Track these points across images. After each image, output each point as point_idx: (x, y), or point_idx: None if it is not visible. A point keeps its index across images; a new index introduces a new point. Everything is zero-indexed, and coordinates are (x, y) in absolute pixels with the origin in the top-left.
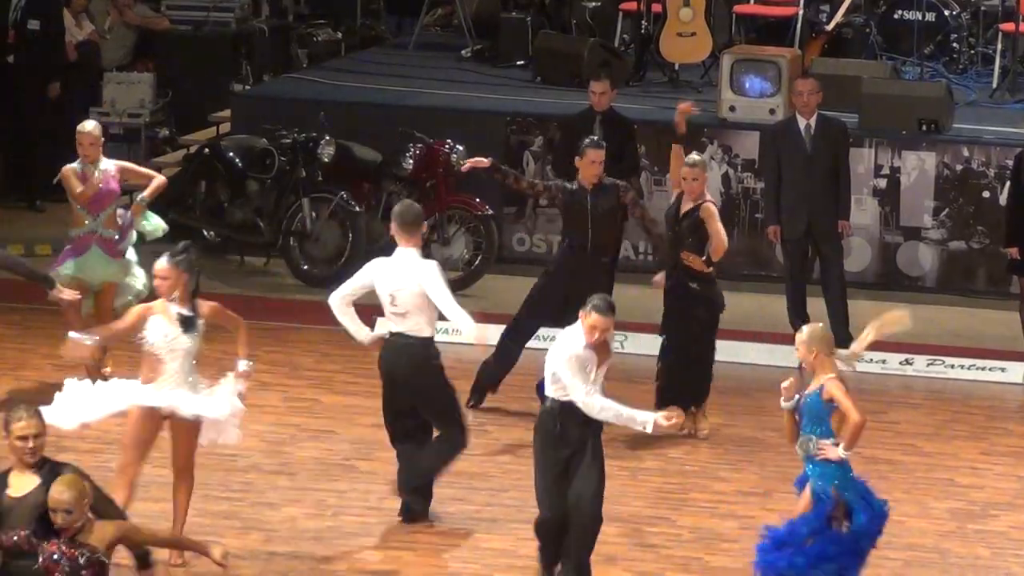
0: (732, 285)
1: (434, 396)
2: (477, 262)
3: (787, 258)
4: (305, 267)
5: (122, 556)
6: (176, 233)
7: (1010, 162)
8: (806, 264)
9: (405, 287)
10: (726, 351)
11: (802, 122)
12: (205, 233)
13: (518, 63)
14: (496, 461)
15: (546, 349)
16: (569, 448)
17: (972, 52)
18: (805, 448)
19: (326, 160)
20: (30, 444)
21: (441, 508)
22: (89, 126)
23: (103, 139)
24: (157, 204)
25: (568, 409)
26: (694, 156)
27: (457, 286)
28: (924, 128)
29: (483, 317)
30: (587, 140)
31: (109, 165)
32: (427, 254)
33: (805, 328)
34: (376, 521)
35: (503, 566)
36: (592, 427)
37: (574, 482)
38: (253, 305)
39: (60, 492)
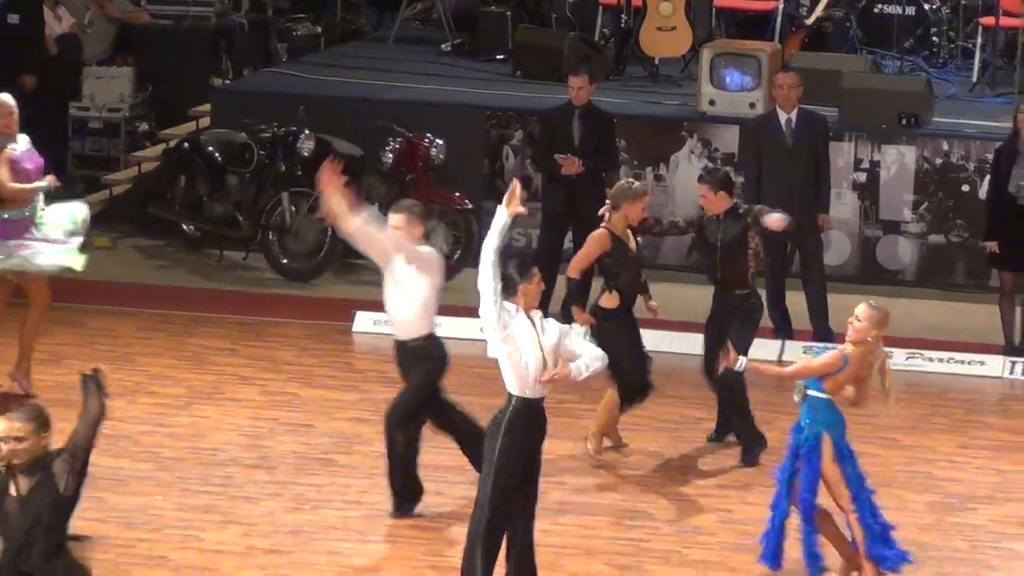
0: None
1: None
2: (457, 256)
3: (767, 251)
4: (284, 261)
5: None
6: (155, 228)
7: (990, 156)
8: (786, 258)
9: None
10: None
11: (782, 116)
12: (184, 227)
13: (498, 57)
14: None
15: None
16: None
17: (952, 46)
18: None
19: (305, 154)
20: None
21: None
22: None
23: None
24: (138, 197)
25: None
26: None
27: None
28: (904, 122)
29: (461, 311)
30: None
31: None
32: None
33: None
34: (356, 515)
35: None
36: None
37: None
38: (232, 299)
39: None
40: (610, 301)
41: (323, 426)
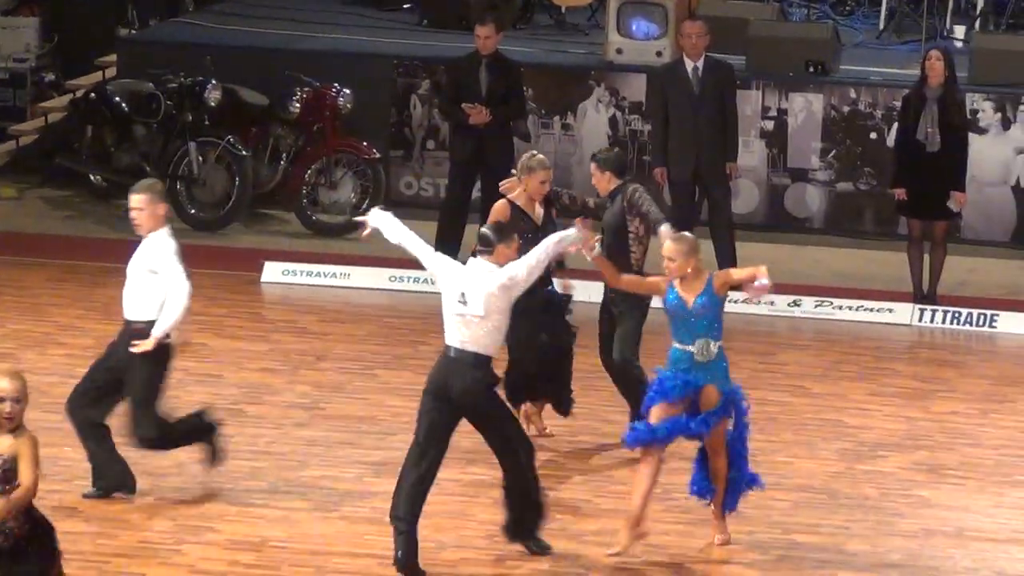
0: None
1: None
2: (364, 206)
3: (674, 200)
4: (192, 211)
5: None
6: (63, 178)
7: (897, 103)
8: (694, 206)
9: None
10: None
11: (689, 64)
12: (92, 178)
13: (404, 6)
14: (384, 405)
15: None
16: None
17: None
18: (706, 353)
19: (212, 104)
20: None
21: (330, 453)
22: None
23: None
24: (45, 147)
25: None
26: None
27: (344, 230)
28: (811, 70)
29: (370, 261)
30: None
31: None
32: (314, 198)
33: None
34: (265, 465)
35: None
36: None
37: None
38: None
39: (5, 382)
40: None
41: (232, 376)
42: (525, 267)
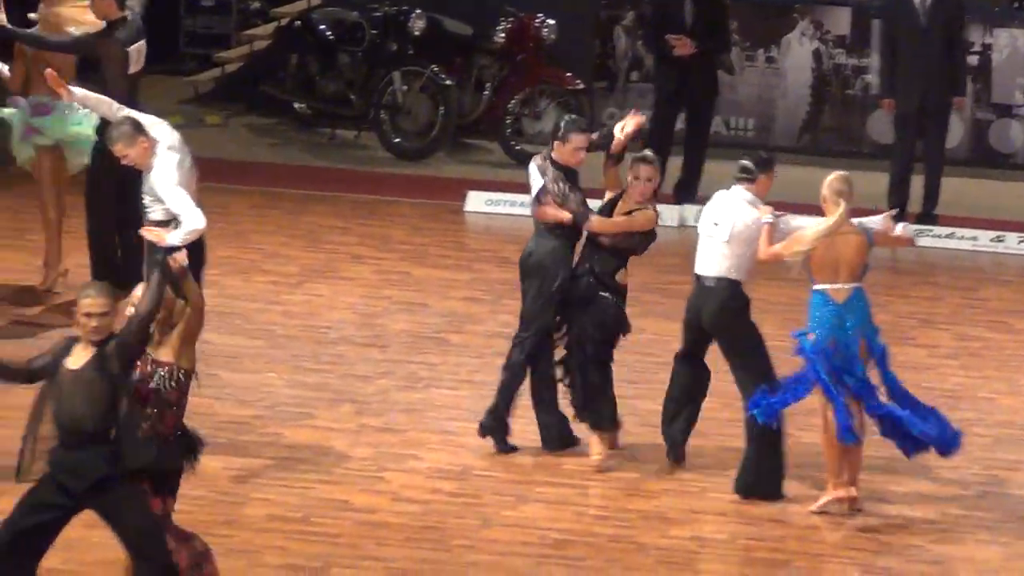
0: (822, 161)
1: None
2: None
3: (897, 132)
4: (396, 140)
5: None
6: (267, 106)
7: None
8: (915, 140)
9: None
10: None
11: None
12: (296, 106)
13: None
14: None
15: None
16: None
17: None
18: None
19: (417, 33)
20: (93, 323)
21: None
22: None
23: None
24: (250, 75)
25: None
26: (649, 152)
27: None
28: (1017, 5)
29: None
30: (568, 121)
31: None
32: (518, 128)
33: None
34: (467, 394)
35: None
36: None
37: None
38: (344, 178)
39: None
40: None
41: (436, 305)
42: (789, 222)
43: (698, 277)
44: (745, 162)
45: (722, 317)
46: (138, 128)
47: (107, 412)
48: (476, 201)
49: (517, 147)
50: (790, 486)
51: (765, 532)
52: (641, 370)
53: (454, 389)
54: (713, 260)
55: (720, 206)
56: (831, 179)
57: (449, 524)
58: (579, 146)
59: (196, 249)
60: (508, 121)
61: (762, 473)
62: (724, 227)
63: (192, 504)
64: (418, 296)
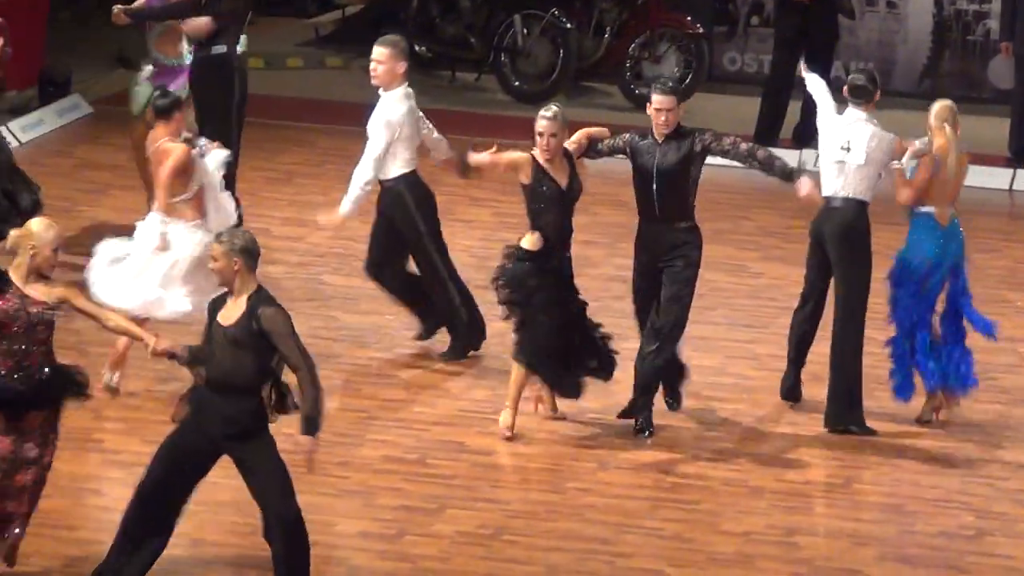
0: None
1: None
2: (688, 81)
3: (1018, 75)
4: (516, 83)
5: None
6: None
7: None
8: None
9: None
10: None
11: None
12: (416, 48)
13: None
14: (702, 279)
15: None
16: None
17: None
18: None
19: None
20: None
21: None
22: None
23: None
24: (371, 17)
25: None
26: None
27: None
28: None
29: None
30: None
31: None
32: (638, 71)
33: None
34: None
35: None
36: None
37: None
38: (463, 120)
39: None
40: None
41: None
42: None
43: (827, 199)
44: (860, 82)
45: (848, 237)
46: None
47: (257, 369)
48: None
49: (636, 91)
50: (904, 431)
51: (879, 476)
52: (759, 315)
53: None
54: (843, 182)
55: (846, 130)
56: (938, 107)
57: (564, 466)
58: (658, 107)
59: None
60: (628, 65)
61: (842, 402)
62: (858, 151)
63: None
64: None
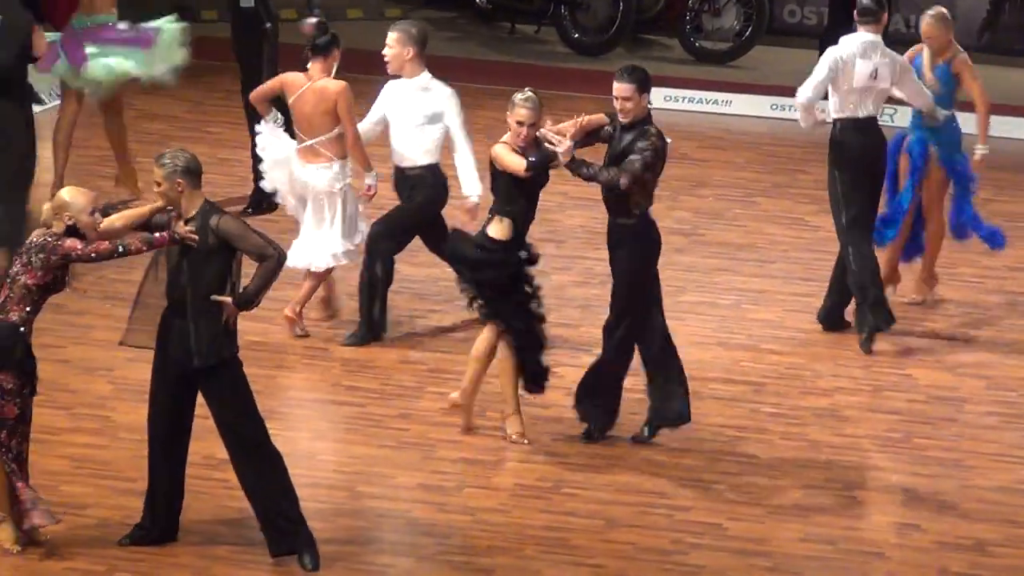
0: (1007, 60)
1: None
2: (748, 33)
3: None
4: (575, 35)
5: None
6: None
7: None
8: None
9: None
10: (1001, 127)
11: None
12: (477, 0)
13: None
14: (762, 233)
15: None
16: None
17: None
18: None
19: None
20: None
21: (707, 279)
22: None
23: None
24: None
25: None
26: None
27: (727, 58)
28: None
29: (753, 89)
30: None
31: None
32: (697, 24)
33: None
34: None
35: None
36: None
37: None
38: (523, 72)
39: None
40: None
41: None
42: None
43: (855, 120)
44: (867, 2)
45: (870, 152)
46: None
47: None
48: (655, 97)
49: (696, 43)
50: (963, 386)
51: (940, 431)
52: (816, 268)
53: None
54: (875, 104)
55: (869, 56)
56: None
57: (623, 420)
58: (614, 94)
59: None
60: (688, 17)
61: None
62: (885, 77)
63: (365, 398)
64: (594, 192)
